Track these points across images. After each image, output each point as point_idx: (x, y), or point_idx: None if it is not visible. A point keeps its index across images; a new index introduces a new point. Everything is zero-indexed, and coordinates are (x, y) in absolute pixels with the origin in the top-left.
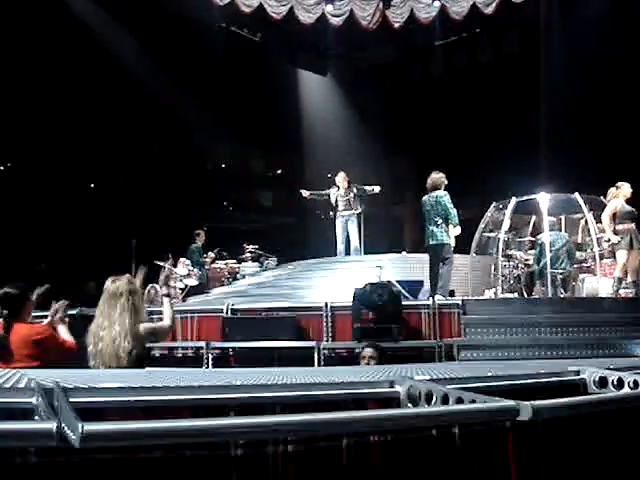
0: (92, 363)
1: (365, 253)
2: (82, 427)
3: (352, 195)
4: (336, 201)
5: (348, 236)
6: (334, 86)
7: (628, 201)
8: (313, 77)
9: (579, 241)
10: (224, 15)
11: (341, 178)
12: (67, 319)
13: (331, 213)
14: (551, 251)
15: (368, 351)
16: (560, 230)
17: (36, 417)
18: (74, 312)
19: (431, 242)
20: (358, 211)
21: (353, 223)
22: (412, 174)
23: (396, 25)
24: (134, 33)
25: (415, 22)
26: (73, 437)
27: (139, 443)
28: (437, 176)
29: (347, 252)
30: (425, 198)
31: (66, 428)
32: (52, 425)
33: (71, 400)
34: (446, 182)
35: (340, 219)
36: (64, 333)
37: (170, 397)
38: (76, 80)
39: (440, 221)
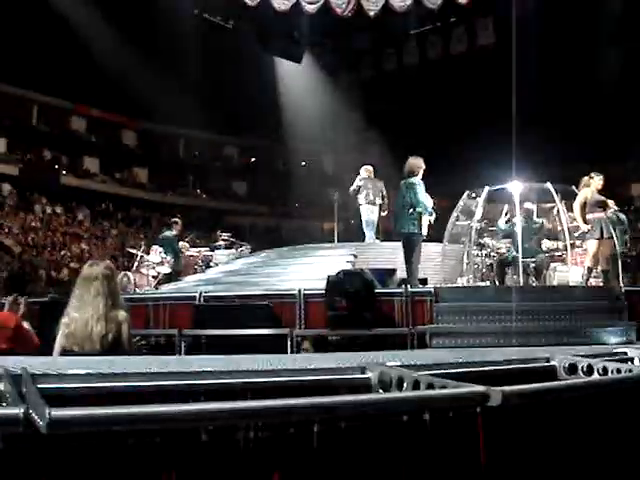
0: (65, 344)
1: (339, 241)
2: (49, 413)
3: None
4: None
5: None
6: (310, 74)
7: (599, 192)
8: (289, 65)
9: (551, 230)
10: (198, 2)
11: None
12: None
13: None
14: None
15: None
16: (532, 218)
17: (3, 403)
18: (46, 299)
19: (401, 230)
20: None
21: None
22: (387, 162)
23: (371, 13)
24: (109, 20)
25: (390, 10)
26: (40, 423)
27: (107, 429)
28: (414, 161)
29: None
30: (402, 182)
31: (33, 414)
32: (19, 411)
33: (39, 386)
34: (423, 167)
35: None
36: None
37: (140, 383)
38: (52, 68)
39: (411, 210)
